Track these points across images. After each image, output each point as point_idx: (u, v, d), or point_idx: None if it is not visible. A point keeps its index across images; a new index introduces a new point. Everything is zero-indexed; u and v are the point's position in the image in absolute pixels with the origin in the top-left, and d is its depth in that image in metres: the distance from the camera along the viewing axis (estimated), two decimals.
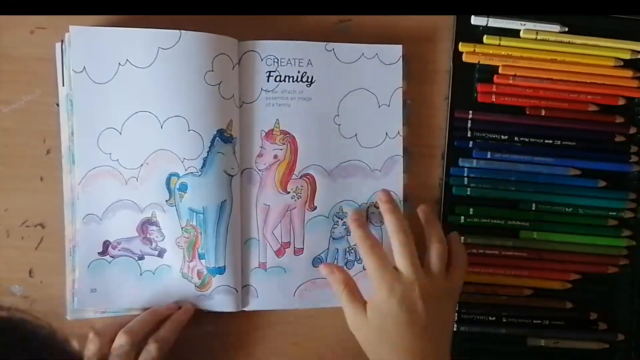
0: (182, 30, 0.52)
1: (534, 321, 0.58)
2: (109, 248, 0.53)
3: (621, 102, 0.59)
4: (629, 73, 0.58)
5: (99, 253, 0.53)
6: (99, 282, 0.53)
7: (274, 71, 0.55)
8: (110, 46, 0.52)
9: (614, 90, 0.59)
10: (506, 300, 0.58)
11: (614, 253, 0.59)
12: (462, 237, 0.57)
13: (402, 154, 0.56)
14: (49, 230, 0.54)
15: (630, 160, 0.59)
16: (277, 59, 0.55)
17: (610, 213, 0.59)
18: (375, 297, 0.50)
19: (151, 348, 0.49)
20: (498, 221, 0.58)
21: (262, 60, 0.55)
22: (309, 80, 0.55)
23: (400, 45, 0.56)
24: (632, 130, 0.59)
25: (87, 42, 0.52)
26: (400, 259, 0.50)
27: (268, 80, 0.55)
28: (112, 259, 0.53)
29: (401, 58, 0.56)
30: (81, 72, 0.52)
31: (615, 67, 0.58)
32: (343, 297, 0.52)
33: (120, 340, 0.49)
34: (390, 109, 0.56)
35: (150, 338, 0.50)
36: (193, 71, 0.52)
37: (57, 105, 0.53)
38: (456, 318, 0.57)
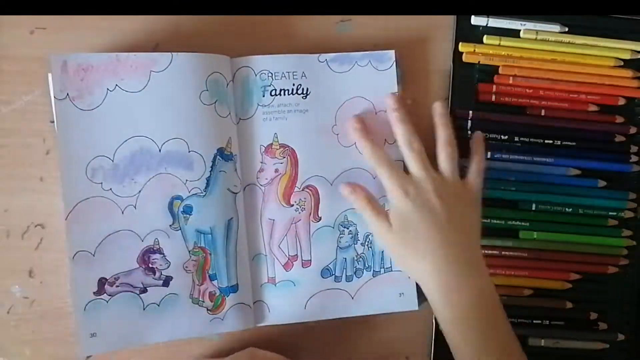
0: (173, 53, 0.52)
1: (534, 321, 0.58)
2: (105, 285, 0.50)
3: (621, 102, 0.59)
4: (629, 73, 0.58)
5: (94, 293, 0.50)
6: (98, 325, 0.50)
7: (269, 85, 0.55)
8: (97, 72, 0.51)
9: (614, 90, 0.59)
10: (506, 300, 0.57)
11: (614, 253, 0.59)
12: None
13: (402, 159, 0.55)
14: (49, 230, 0.54)
15: (630, 160, 0.59)
16: (271, 73, 0.55)
17: (610, 213, 0.59)
18: (393, 204, 0.52)
19: None
20: (498, 221, 0.58)
21: (256, 75, 0.54)
22: (305, 92, 0.55)
23: (393, 51, 0.56)
24: (632, 130, 0.59)
25: (68, 69, 0.50)
26: (412, 164, 0.53)
27: (264, 95, 0.55)
28: (109, 297, 0.50)
29: (394, 63, 0.56)
30: (64, 99, 0.50)
31: (615, 67, 0.58)
32: (367, 211, 0.53)
33: None
34: (387, 115, 0.55)
35: None
36: (188, 92, 0.52)
37: (52, 122, 0.53)
38: None
